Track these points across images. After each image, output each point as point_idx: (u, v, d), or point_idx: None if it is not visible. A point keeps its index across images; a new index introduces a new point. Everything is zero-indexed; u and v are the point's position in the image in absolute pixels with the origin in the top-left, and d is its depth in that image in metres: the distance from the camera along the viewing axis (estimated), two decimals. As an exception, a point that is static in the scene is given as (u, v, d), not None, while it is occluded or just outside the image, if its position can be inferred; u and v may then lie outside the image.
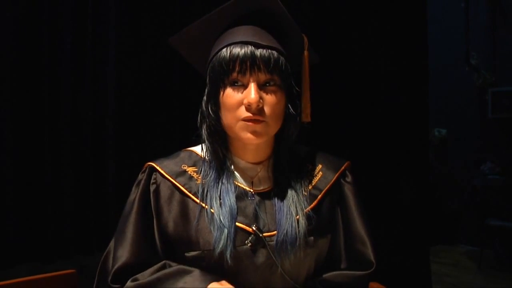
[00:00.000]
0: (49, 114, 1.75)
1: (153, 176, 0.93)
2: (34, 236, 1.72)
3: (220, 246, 0.82)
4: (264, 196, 0.91)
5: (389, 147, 2.23)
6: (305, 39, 0.93)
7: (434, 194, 4.39)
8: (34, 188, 1.72)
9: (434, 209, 4.32)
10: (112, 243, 0.91)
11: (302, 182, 0.94)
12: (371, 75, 2.21)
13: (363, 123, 2.19)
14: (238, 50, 0.83)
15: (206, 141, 0.92)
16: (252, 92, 0.81)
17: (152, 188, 0.92)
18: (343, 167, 1.00)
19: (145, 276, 0.84)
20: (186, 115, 1.93)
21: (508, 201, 4.00)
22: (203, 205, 0.88)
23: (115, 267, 0.85)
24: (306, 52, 0.93)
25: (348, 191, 0.99)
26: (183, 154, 0.98)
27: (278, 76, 0.85)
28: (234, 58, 0.82)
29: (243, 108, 0.83)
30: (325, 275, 0.93)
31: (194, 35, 0.93)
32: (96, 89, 1.86)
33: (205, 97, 0.92)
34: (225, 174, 0.91)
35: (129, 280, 0.84)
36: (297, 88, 0.92)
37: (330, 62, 2.09)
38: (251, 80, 0.83)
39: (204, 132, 0.92)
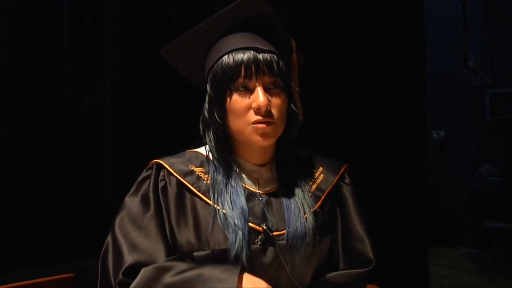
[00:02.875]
0: (46, 117, 1.75)
1: (161, 173, 0.93)
2: (33, 240, 1.72)
3: (236, 248, 0.83)
4: (271, 196, 0.93)
5: (388, 149, 2.23)
6: (293, 42, 0.95)
7: (432, 196, 4.40)
8: (32, 192, 1.72)
9: (433, 211, 4.33)
10: (112, 240, 0.87)
11: (306, 183, 0.96)
12: (368, 78, 2.21)
13: (362, 125, 2.20)
14: (241, 56, 0.84)
15: (212, 148, 0.93)
16: (260, 96, 0.83)
17: (161, 185, 0.92)
18: (342, 169, 1.02)
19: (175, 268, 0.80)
20: (185, 116, 1.93)
21: (506, 202, 4.00)
22: (216, 206, 0.88)
23: (137, 260, 0.82)
24: (294, 55, 0.95)
25: (346, 192, 1.02)
26: (189, 154, 0.99)
27: (281, 78, 0.87)
28: (238, 64, 0.84)
29: (252, 112, 0.85)
30: (327, 276, 0.94)
31: (187, 45, 0.94)
32: (94, 89, 1.85)
33: (206, 105, 0.92)
34: (233, 176, 0.92)
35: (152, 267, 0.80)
36: (296, 89, 0.93)
37: (327, 64, 2.09)
38: (257, 84, 0.85)
39: (209, 139, 0.92)
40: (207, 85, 0.91)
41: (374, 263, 0.94)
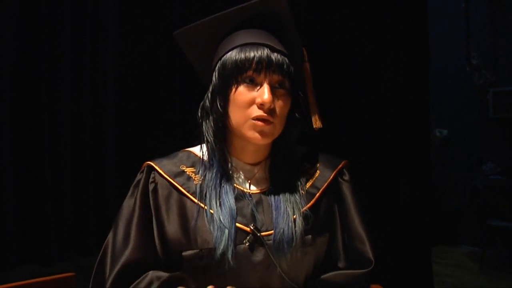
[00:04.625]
0: (48, 116, 1.75)
1: (152, 175, 0.93)
2: (34, 238, 1.72)
3: (222, 246, 0.83)
4: (261, 196, 0.92)
5: (390, 147, 2.22)
6: (304, 51, 0.96)
7: (435, 195, 4.39)
8: (34, 190, 1.72)
9: (436, 209, 4.31)
10: (110, 245, 0.90)
11: (299, 181, 0.95)
12: (372, 76, 2.21)
13: (364, 123, 2.19)
14: (254, 50, 0.85)
15: (209, 139, 0.92)
16: (265, 92, 0.83)
17: (151, 187, 0.92)
18: (340, 165, 1.00)
19: None
20: (185, 115, 1.93)
21: (509, 201, 3.99)
22: (202, 205, 0.88)
23: (120, 265, 0.85)
24: (307, 64, 0.96)
25: (346, 189, 1.00)
26: (181, 155, 0.98)
27: (288, 80, 0.87)
28: (250, 57, 0.84)
29: (254, 107, 0.84)
30: (324, 275, 0.93)
31: (200, 32, 0.94)
32: (96, 89, 1.85)
33: (209, 94, 0.92)
34: (223, 176, 0.91)
35: None
36: (301, 94, 0.93)
37: (330, 62, 2.09)
38: (265, 81, 0.84)
39: (206, 127, 0.92)
40: (214, 74, 0.90)
41: (373, 264, 0.93)
